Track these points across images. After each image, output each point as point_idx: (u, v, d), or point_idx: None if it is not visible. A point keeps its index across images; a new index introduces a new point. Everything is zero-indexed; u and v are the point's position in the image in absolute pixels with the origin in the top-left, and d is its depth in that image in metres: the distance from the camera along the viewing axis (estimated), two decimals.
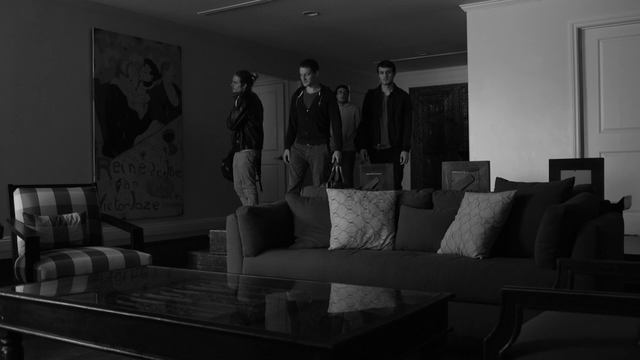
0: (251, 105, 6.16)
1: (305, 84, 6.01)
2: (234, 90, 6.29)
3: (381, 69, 6.38)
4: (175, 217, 7.01)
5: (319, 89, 6.03)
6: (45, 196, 4.16)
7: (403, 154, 6.24)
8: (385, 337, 2.04)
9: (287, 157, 6.16)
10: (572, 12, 5.94)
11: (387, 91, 6.36)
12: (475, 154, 6.42)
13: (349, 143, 7.73)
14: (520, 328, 1.71)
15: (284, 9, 6.51)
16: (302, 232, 4.05)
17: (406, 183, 10.20)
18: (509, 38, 6.28)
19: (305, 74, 5.97)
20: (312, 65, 6.05)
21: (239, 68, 6.99)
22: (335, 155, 5.96)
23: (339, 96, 7.81)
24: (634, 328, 1.74)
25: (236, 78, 6.27)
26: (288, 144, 6.20)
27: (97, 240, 4.31)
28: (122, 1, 6.15)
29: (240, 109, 6.13)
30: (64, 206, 4.19)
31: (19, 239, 3.94)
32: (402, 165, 6.34)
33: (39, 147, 5.73)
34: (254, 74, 6.56)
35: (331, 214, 3.93)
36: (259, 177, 6.31)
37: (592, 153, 5.88)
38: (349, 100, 7.91)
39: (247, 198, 6.34)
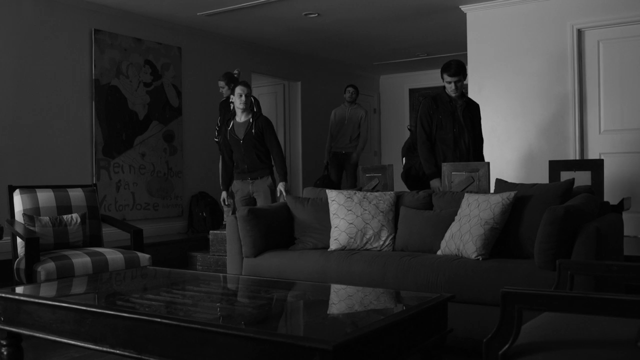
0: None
1: (240, 107, 5.04)
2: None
3: (448, 77, 4.54)
4: (175, 217, 7.01)
5: (250, 116, 5.10)
6: (45, 197, 4.16)
7: None
8: (385, 338, 2.04)
9: (224, 199, 5.31)
10: (572, 13, 5.94)
11: (459, 100, 4.64)
12: None
13: (354, 145, 7.70)
14: (520, 329, 1.71)
15: (284, 10, 6.51)
16: (302, 233, 4.05)
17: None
18: (509, 39, 6.28)
19: (245, 94, 5.02)
20: (250, 87, 5.17)
21: (239, 68, 7.00)
22: (281, 187, 5.07)
23: (346, 95, 7.75)
24: (634, 329, 1.74)
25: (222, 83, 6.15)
26: (225, 184, 5.34)
27: (97, 241, 4.31)
28: (123, 2, 6.16)
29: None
30: (64, 207, 4.19)
31: (18, 240, 3.93)
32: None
33: (39, 148, 5.73)
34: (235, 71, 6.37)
35: (331, 215, 3.93)
36: None
37: (592, 154, 5.88)
38: (357, 102, 7.87)
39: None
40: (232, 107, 6.01)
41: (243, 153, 5.11)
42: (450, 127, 4.58)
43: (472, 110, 4.72)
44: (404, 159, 5.34)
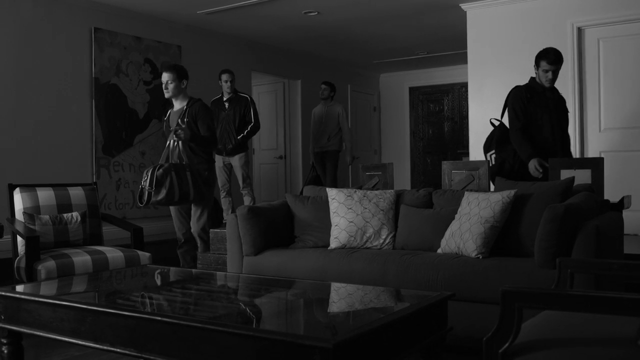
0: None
1: (166, 95, 4.74)
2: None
3: (546, 65, 4.33)
4: None
5: (184, 103, 4.73)
6: (46, 195, 4.16)
7: None
8: (385, 336, 2.04)
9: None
10: (572, 11, 5.94)
11: (550, 92, 4.49)
12: (476, 154, 6.42)
13: (332, 142, 7.63)
14: (520, 327, 1.71)
15: (284, 8, 6.51)
16: (302, 232, 4.05)
17: (406, 182, 10.22)
18: (509, 37, 6.28)
19: (167, 82, 4.69)
20: (178, 71, 4.74)
21: (239, 67, 7.02)
22: (180, 131, 4.53)
23: (325, 93, 7.60)
24: (634, 327, 1.74)
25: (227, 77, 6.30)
26: None
27: (97, 239, 4.31)
28: (122, 0, 6.15)
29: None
30: (64, 205, 4.19)
31: (19, 239, 3.94)
32: None
33: (39, 146, 5.73)
34: None
35: (331, 213, 3.93)
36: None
37: (592, 152, 5.89)
38: (334, 98, 7.78)
39: (248, 197, 6.37)
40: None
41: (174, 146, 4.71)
42: (548, 119, 4.36)
43: (563, 101, 4.54)
44: (490, 155, 4.91)
